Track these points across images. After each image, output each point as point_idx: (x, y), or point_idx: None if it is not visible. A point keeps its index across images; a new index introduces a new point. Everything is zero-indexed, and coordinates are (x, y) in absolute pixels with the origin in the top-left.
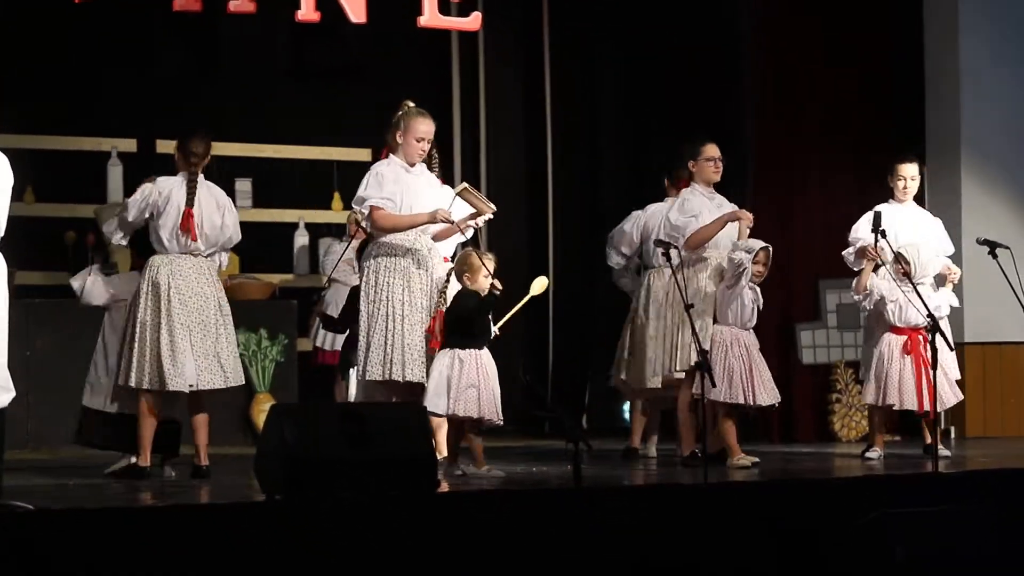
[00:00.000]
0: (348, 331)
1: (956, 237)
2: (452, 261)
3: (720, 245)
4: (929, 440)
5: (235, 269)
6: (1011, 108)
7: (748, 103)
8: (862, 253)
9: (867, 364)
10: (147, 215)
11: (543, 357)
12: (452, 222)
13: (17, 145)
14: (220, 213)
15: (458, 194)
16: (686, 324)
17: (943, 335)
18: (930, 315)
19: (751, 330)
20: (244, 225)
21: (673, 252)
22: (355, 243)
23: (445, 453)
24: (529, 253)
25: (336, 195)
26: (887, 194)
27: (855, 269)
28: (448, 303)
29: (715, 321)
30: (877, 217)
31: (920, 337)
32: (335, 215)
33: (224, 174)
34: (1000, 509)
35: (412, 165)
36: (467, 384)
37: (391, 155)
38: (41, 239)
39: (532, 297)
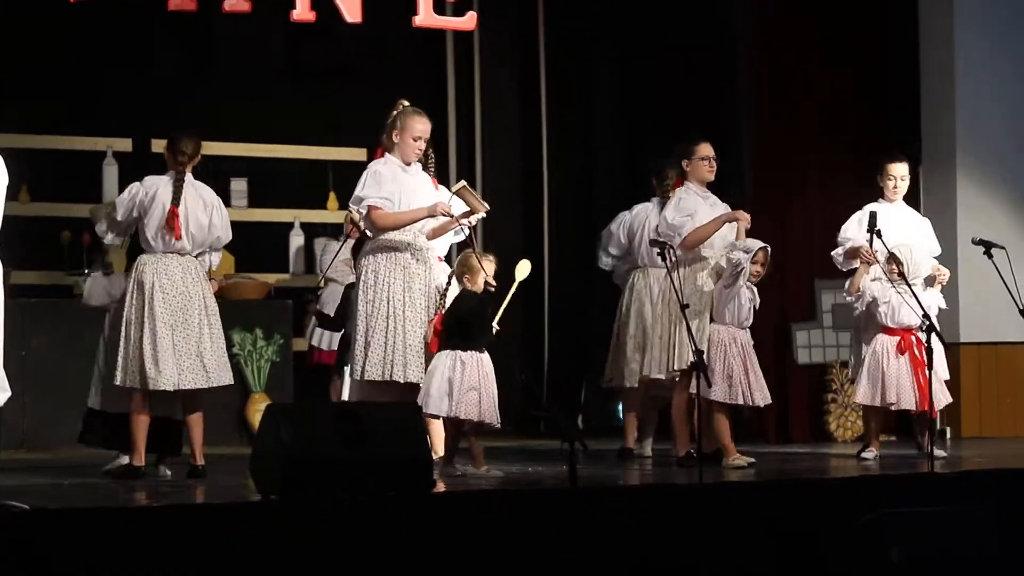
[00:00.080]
0: (344, 330)
1: (952, 237)
2: (445, 260)
3: (715, 245)
4: (924, 440)
5: (230, 269)
6: (1007, 108)
7: (744, 103)
8: (852, 253)
9: (858, 364)
10: (135, 214)
11: (539, 357)
12: (452, 216)
13: (13, 144)
14: (207, 213)
15: (456, 192)
16: (682, 323)
17: (939, 334)
18: (925, 315)
19: (747, 329)
20: (239, 225)
21: (669, 252)
22: (350, 242)
23: (441, 453)
24: (524, 252)
25: (332, 195)
26: (878, 193)
27: (843, 269)
28: (448, 306)
29: (711, 320)
30: (873, 217)
31: (913, 337)
32: (331, 215)
33: (220, 174)
34: (997, 509)
35: (408, 164)
36: (468, 387)
37: (387, 154)
38: (37, 239)
39: (520, 283)
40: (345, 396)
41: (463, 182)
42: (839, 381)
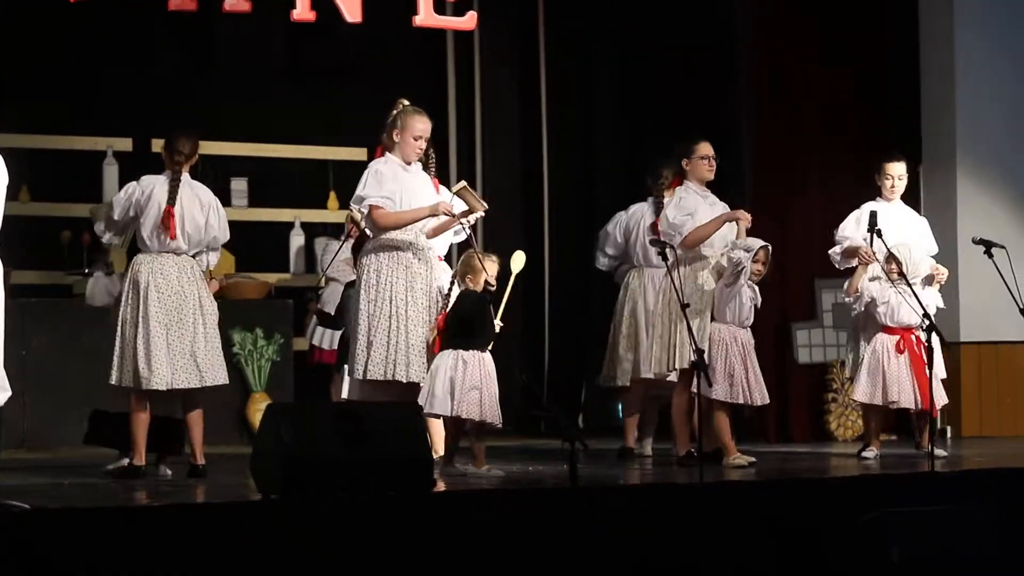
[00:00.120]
0: (344, 328)
1: (952, 237)
2: (445, 260)
3: (714, 244)
4: (923, 439)
5: (231, 268)
6: (1007, 108)
7: (744, 103)
8: (850, 252)
9: (856, 363)
10: (131, 213)
11: (539, 356)
12: (454, 215)
13: (13, 144)
14: (204, 213)
15: (456, 192)
16: (682, 323)
17: (939, 334)
18: (926, 314)
19: (748, 328)
20: (240, 224)
21: (669, 251)
22: (351, 241)
23: (441, 452)
24: (525, 252)
25: (332, 194)
26: (876, 193)
27: (841, 268)
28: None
29: (712, 319)
30: (873, 216)
31: (913, 337)
32: (331, 214)
33: (220, 173)
34: (997, 509)
35: (409, 163)
36: (470, 386)
37: (387, 153)
38: (37, 238)
39: (517, 275)
40: (344, 395)
41: (463, 182)
42: (839, 380)
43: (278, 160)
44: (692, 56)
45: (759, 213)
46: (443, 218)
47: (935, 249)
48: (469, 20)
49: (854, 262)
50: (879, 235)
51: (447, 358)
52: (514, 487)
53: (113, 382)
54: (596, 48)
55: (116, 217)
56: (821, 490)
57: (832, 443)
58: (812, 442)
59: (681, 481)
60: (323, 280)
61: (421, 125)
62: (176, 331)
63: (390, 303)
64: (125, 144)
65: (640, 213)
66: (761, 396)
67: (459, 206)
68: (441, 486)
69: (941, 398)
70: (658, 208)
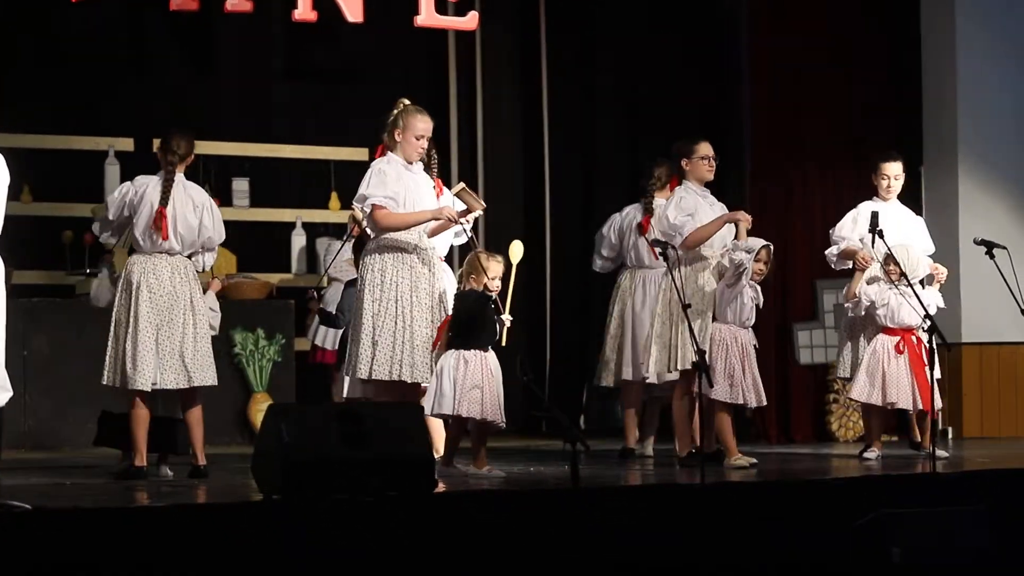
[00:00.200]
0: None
1: (953, 237)
2: (445, 261)
3: (714, 245)
4: (920, 438)
5: (232, 268)
6: (1009, 109)
7: (746, 104)
8: (847, 255)
9: (855, 363)
10: (125, 214)
11: (540, 357)
12: (456, 220)
13: (14, 144)
14: (197, 214)
15: (456, 194)
16: (683, 323)
17: (940, 334)
18: (927, 315)
19: (749, 328)
20: (241, 225)
21: (670, 251)
22: (352, 240)
23: (441, 452)
24: (525, 252)
25: (334, 195)
26: (872, 192)
27: (836, 269)
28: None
29: (714, 319)
30: (875, 217)
31: (913, 338)
32: (333, 215)
33: (221, 174)
34: (998, 510)
35: (410, 163)
36: (471, 385)
37: (389, 153)
38: (38, 238)
39: (518, 265)
40: (346, 393)
41: (462, 184)
42: (841, 381)
43: (280, 160)
44: (694, 56)
45: (760, 213)
46: (444, 222)
47: (932, 248)
48: (470, 20)
49: (850, 264)
50: (880, 235)
51: (450, 358)
52: (515, 488)
53: (104, 382)
54: (597, 48)
55: (111, 217)
56: (822, 491)
57: (833, 444)
58: (813, 443)
59: (682, 482)
60: (325, 280)
61: (423, 124)
62: (166, 331)
63: (395, 303)
64: (127, 144)
65: (633, 214)
66: (757, 398)
67: (458, 206)
68: (442, 487)
69: (937, 400)
70: (646, 208)
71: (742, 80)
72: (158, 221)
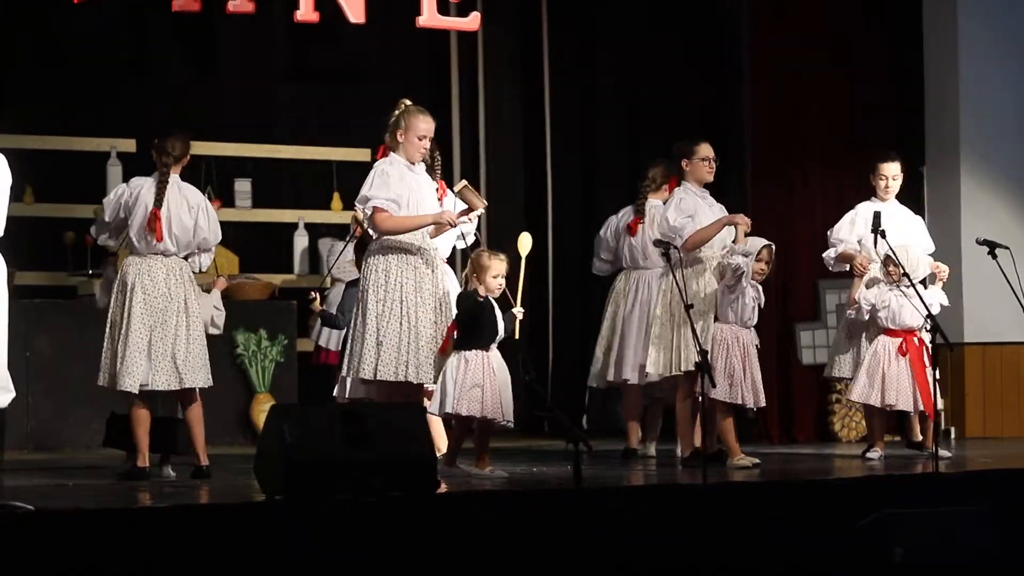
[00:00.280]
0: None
1: (956, 237)
2: (448, 263)
3: (714, 246)
4: (919, 438)
5: (235, 269)
6: (1011, 108)
7: (747, 104)
8: (844, 258)
9: (856, 363)
10: (121, 215)
11: (543, 357)
12: (456, 225)
13: (16, 145)
14: (192, 215)
15: (458, 191)
16: (686, 324)
17: (943, 334)
18: (929, 315)
19: (751, 328)
20: (244, 225)
21: (672, 251)
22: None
23: (442, 451)
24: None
25: (336, 195)
26: (871, 192)
27: (834, 271)
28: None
29: (715, 319)
30: (877, 217)
31: (915, 339)
32: (335, 215)
33: (224, 174)
34: (1000, 510)
35: (413, 163)
36: (471, 383)
37: (392, 153)
38: (40, 239)
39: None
40: (348, 393)
41: (464, 181)
42: (842, 382)
43: (282, 161)
44: (696, 56)
45: (761, 213)
46: (445, 226)
47: (933, 247)
48: (472, 21)
49: (847, 266)
50: (883, 235)
51: (452, 359)
52: (518, 488)
53: (99, 383)
54: (599, 48)
55: (107, 219)
56: (825, 491)
57: (836, 444)
58: (816, 443)
59: (685, 482)
60: (328, 280)
61: (425, 125)
62: (159, 332)
63: (400, 304)
64: (129, 145)
65: (628, 216)
66: (756, 398)
67: (459, 205)
68: (444, 487)
69: (938, 400)
70: (637, 209)
71: (743, 80)
72: (152, 223)
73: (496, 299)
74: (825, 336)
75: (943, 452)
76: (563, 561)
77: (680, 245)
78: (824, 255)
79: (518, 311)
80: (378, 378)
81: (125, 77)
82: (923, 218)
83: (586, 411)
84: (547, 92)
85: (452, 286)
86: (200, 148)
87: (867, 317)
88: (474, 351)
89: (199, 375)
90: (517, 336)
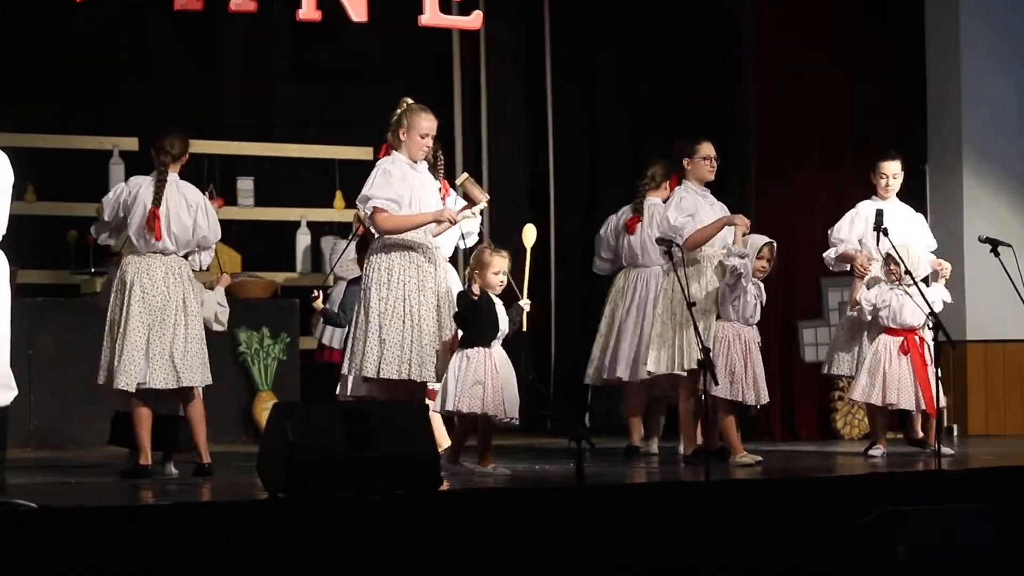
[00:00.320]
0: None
1: (958, 235)
2: (451, 261)
3: (714, 244)
4: (921, 435)
5: (237, 268)
6: (1013, 107)
7: (748, 104)
8: (845, 258)
9: (856, 361)
10: (120, 214)
11: (545, 355)
12: (456, 222)
13: (18, 144)
14: (191, 213)
15: (460, 184)
16: (689, 322)
17: (945, 332)
18: (932, 312)
19: (754, 326)
20: (246, 224)
21: (675, 249)
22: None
23: (443, 447)
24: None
25: (338, 194)
26: (871, 191)
27: (834, 270)
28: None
29: (717, 317)
30: (879, 215)
31: (916, 337)
32: (337, 214)
33: (226, 173)
34: (1003, 507)
35: (415, 162)
36: (473, 381)
37: (394, 152)
38: (43, 238)
39: (532, 249)
40: (349, 391)
41: (466, 174)
42: (846, 379)
43: (284, 159)
44: (698, 56)
45: (763, 212)
46: (446, 224)
47: (934, 245)
48: (475, 19)
49: (847, 266)
50: (885, 234)
51: (455, 357)
52: (520, 486)
53: (99, 382)
54: (601, 47)
55: (106, 218)
56: (827, 488)
57: (838, 441)
58: (818, 440)
59: (687, 480)
60: (331, 279)
61: (427, 123)
62: (157, 331)
63: (403, 302)
64: (131, 144)
65: (627, 214)
66: (757, 396)
67: (460, 202)
68: (447, 485)
69: (941, 398)
70: (635, 208)
71: (744, 80)
72: (151, 221)
73: (500, 294)
74: (827, 333)
75: (945, 449)
76: (565, 559)
77: (680, 244)
78: (824, 255)
79: (525, 303)
80: (381, 376)
81: (127, 76)
82: (925, 217)
83: (589, 409)
84: (549, 91)
85: (455, 284)
86: (202, 147)
87: (869, 318)
88: (476, 348)
89: (197, 374)
90: (525, 328)
